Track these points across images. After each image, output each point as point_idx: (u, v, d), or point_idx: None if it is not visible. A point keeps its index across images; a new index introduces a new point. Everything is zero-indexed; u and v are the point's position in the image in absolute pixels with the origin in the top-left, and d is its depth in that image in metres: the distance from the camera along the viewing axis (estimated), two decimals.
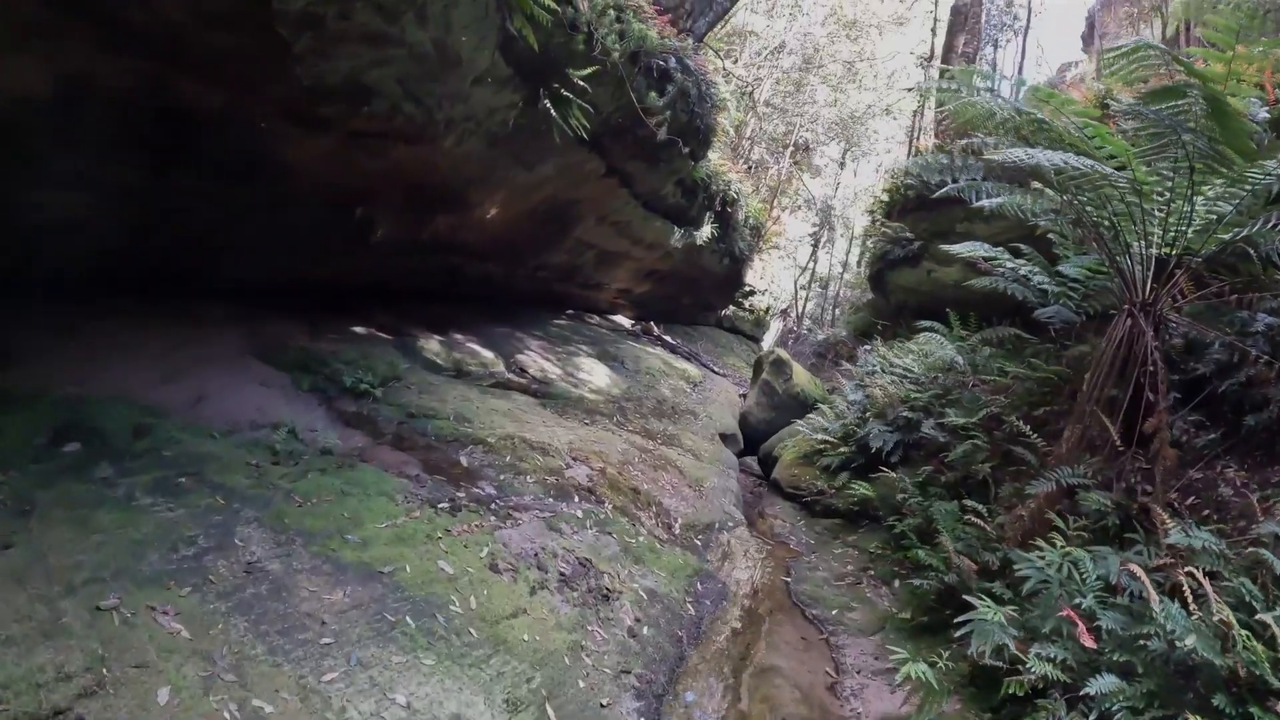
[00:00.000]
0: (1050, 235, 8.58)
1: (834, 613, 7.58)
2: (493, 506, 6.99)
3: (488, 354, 12.50)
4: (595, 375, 14.01)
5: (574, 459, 8.69)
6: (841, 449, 10.60)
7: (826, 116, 34.79)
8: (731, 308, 30.10)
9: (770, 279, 35.61)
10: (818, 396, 16.30)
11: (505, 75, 8.70)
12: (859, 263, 37.57)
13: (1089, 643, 4.95)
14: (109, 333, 7.60)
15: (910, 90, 30.94)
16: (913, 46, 33.75)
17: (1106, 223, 7.07)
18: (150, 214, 7.43)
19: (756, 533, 10.00)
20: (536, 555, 6.34)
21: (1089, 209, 7.20)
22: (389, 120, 7.84)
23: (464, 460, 7.89)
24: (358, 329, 11.03)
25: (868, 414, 10.74)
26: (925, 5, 32.68)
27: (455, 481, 7.33)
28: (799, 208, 39.00)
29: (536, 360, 13.35)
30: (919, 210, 14.66)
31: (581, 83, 9.47)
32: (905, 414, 10.11)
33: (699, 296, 26.21)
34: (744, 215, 23.42)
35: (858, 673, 6.56)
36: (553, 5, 7.73)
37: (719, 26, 24.51)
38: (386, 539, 5.81)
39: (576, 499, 7.83)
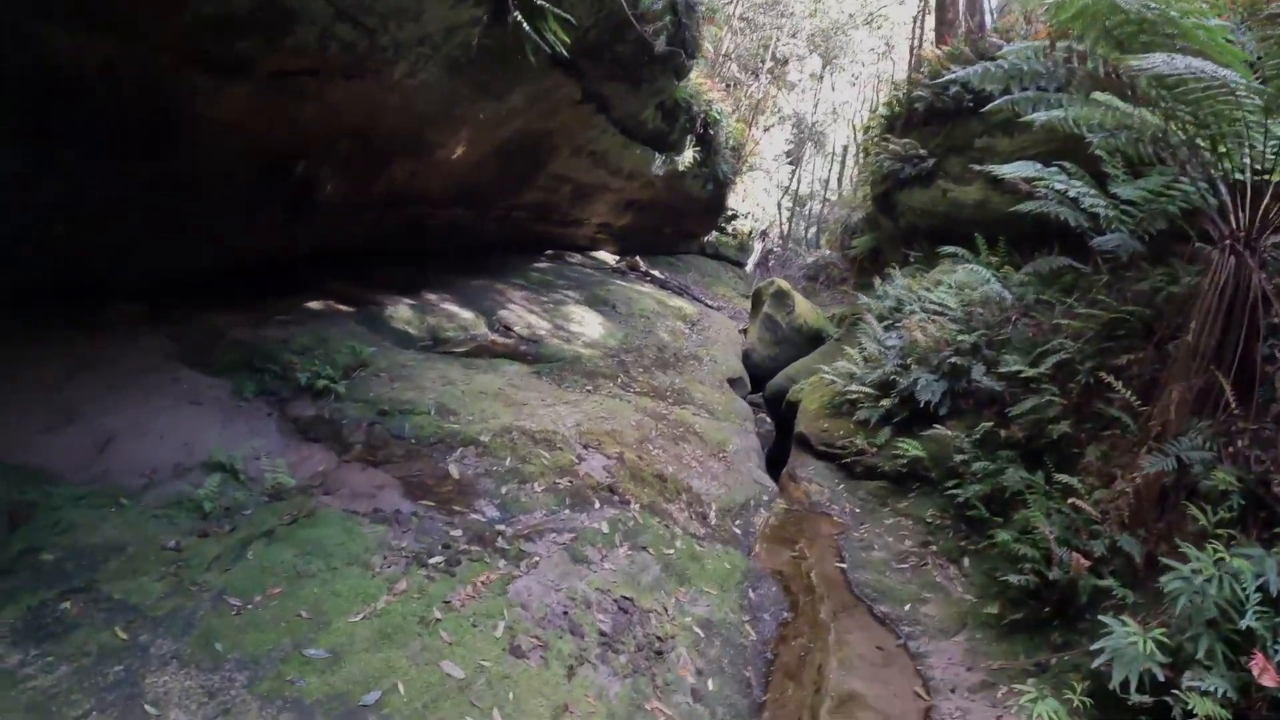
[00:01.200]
0: (1099, 153, 7.48)
1: (905, 608, 6.33)
2: (499, 544, 5.49)
3: (466, 314, 11.11)
4: (587, 325, 12.73)
5: (586, 447, 7.30)
6: (883, 401, 9.24)
7: (806, 29, 32.93)
8: (715, 233, 29.15)
9: (753, 201, 34.13)
10: (822, 328, 15.42)
11: None
12: (840, 181, 36.39)
13: (1270, 681, 3.83)
14: None
15: None
16: None
17: (1205, 143, 5.90)
18: (34, 208, 6.01)
19: (791, 500, 8.72)
20: (566, 613, 4.88)
21: (1189, 126, 5.92)
22: (320, 52, 6.53)
23: (454, 470, 6.41)
24: (312, 304, 9.53)
25: (909, 360, 9.38)
26: None
27: (447, 507, 5.86)
28: (774, 125, 37.43)
29: (522, 315, 11.98)
30: (930, 124, 13.26)
31: None
32: (953, 359, 8.75)
33: (681, 225, 25.19)
34: (725, 136, 22.43)
35: (951, 691, 5.29)
36: None
37: None
38: (365, 640, 4.27)
39: (597, 504, 6.40)
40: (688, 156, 19.67)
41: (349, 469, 6.14)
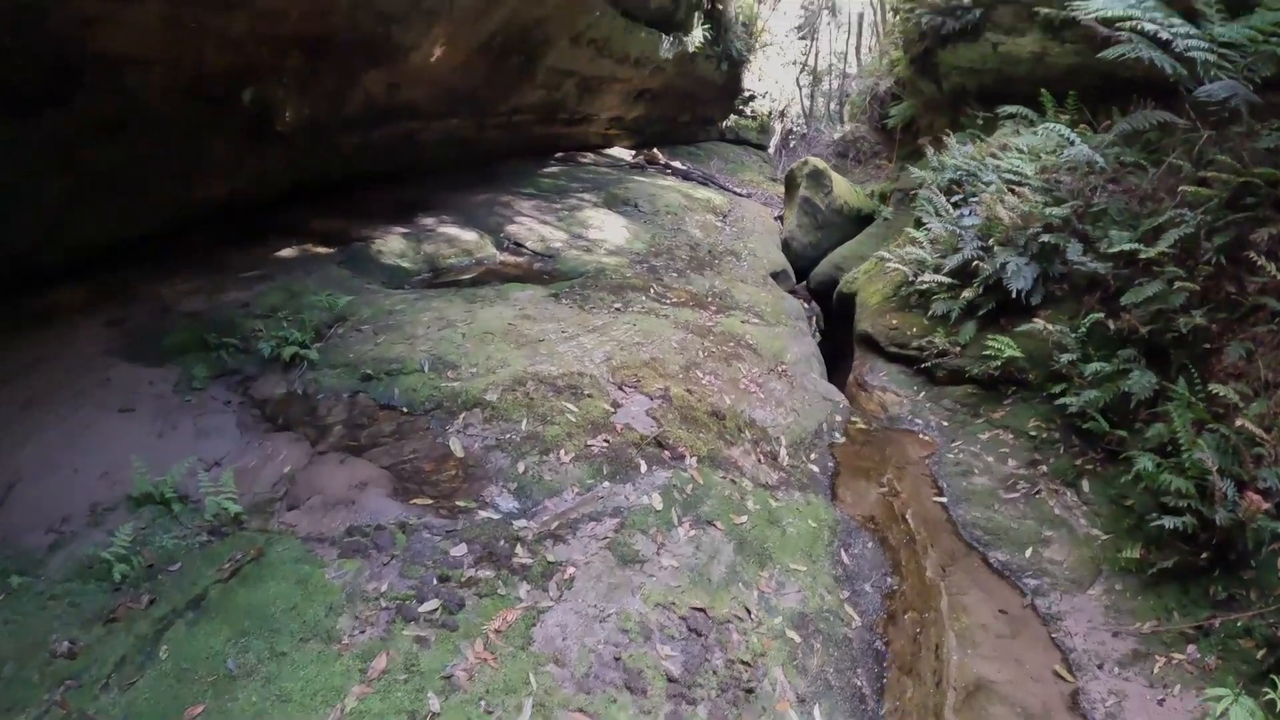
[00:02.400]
0: None
1: (1027, 554, 5.24)
2: (518, 556, 4.09)
3: (470, 235, 9.77)
4: (609, 230, 11.32)
5: (622, 387, 5.97)
6: (964, 293, 7.86)
7: None
8: (733, 117, 27.40)
9: (771, 80, 32.21)
10: (866, 207, 14.47)
11: None
12: (858, 52, 34.36)
13: None
14: None
15: None
16: None
17: None
18: None
19: (866, 415, 7.54)
20: (618, 659, 3.50)
21: None
22: None
23: (456, 444, 5.05)
24: (286, 252, 8.22)
25: (990, 240, 7.97)
26: None
27: (448, 504, 4.52)
28: None
29: (534, 228, 10.64)
30: None
31: None
32: (1044, 237, 7.36)
33: (698, 111, 23.60)
34: (735, 11, 20.96)
35: (1099, 668, 4.31)
36: None
37: None
38: None
39: (643, 466, 5.04)
40: (697, 36, 18.17)
41: (323, 465, 4.82)
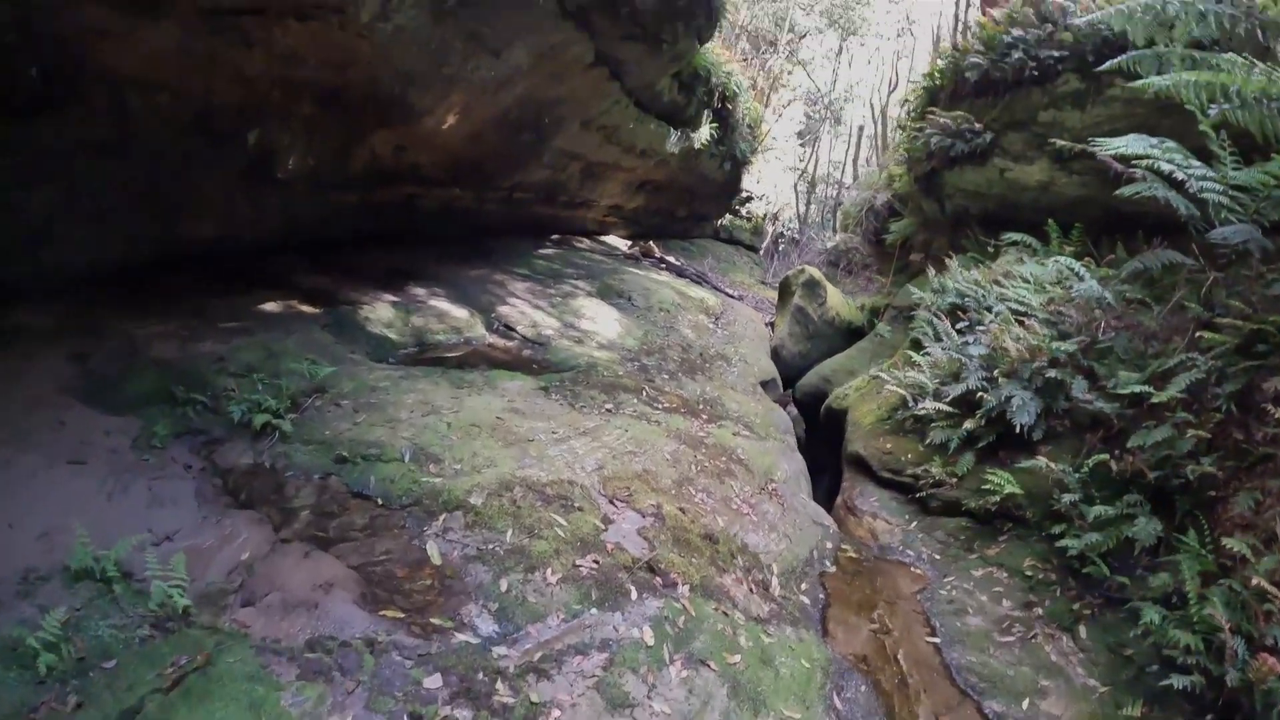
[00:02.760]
0: (1204, 130, 6.34)
1: (1024, 706, 4.85)
2: (498, 694, 3.57)
3: (460, 312, 9.42)
4: (601, 322, 11.02)
5: (613, 501, 5.55)
6: (965, 423, 7.60)
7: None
8: (729, 216, 27.68)
9: (769, 183, 32.63)
10: (856, 320, 14.65)
11: None
12: (855, 163, 34.88)
13: None
14: None
15: None
16: None
17: None
18: None
19: (855, 541, 7.19)
20: None
21: None
22: None
23: (434, 550, 4.57)
24: (269, 306, 7.81)
25: (996, 371, 7.77)
26: None
27: (421, 620, 4.02)
28: (791, 102, 35.84)
29: (526, 311, 10.32)
30: (982, 96, 11.78)
31: None
32: (1049, 372, 7.17)
33: (696, 207, 23.81)
34: (743, 112, 21.02)
35: None
36: None
37: None
38: None
39: (634, 593, 4.60)
40: (704, 133, 18.17)
41: (286, 556, 4.33)
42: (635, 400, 8.00)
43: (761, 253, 29.07)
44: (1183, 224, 6.58)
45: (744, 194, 27.74)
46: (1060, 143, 8.65)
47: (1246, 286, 6.22)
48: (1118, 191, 6.95)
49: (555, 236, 16.84)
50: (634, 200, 19.12)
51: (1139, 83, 6.16)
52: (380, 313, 8.47)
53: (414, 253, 11.26)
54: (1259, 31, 5.95)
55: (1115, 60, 6.69)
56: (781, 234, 32.80)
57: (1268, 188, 6.15)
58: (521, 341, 9.35)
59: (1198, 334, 6.05)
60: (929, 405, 8.03)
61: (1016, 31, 11.01)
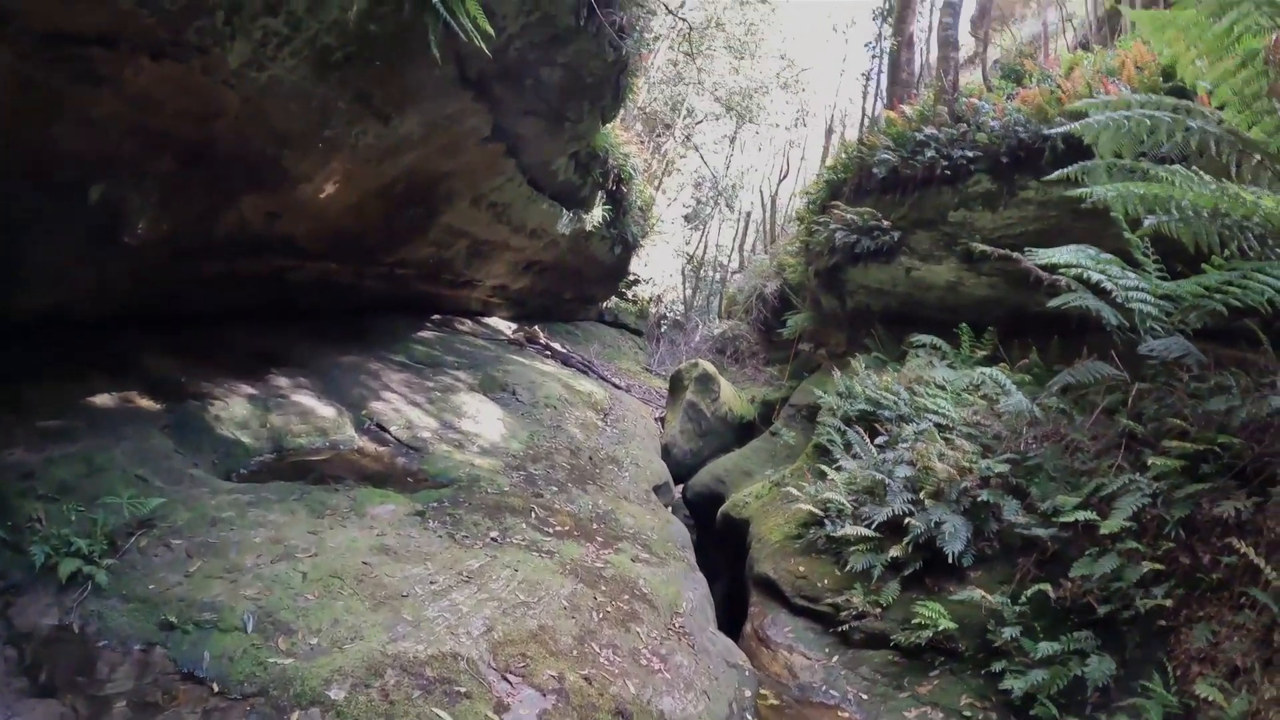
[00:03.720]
0: (1129, 238, 6.61)
1: None
2: None
3: (327, 410, 8.30)
4: (483, 421, 9.95)
5: (506, 676, 4.41)
6: (891, 550, 6.94)
7: (728, 85, 31.26)
8: (615, 299, 27.00)
9: (657, 266, 32.45)
10: (748, 415, 14.72)
11: None
12: (743, 248, 35.20)
13: None
14: None
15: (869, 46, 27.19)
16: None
17: None
18: None
19: (772, 678, 6.54)
20: None
21: None
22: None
23: None
24: (101, 399, 6.49)
25: (920, 492, 7.18)
26: None
27: None
28: (684, 186, 35.99)
29: (401, 408, 9.23)
30: (890, 192, 11.77)
31: None
32: (980, 494, 6.81)
33: (583, 290, 23.35)
34: (636, 195, 20.88)
35: None
36: None
37: None
38: None
39: None
40: (597, 215, 17.83)
41: None
42: (523, 524, 6.93)
43: (644, 336, 28.72)
44: (1096, 326, 6.74)
45: (631, 276, 27.35)
46: (974, 244, 8.50)
47: (1178, 399, 6.28)
48: (1051, 303, 6.90)
49: (437, 316, 15.91)
50: (520, 281, 18.43)
51: (1077, 191, 6.04)
52: (234, 410, 7.26)
53: (282, 332, 10.12)
54: (1213, 145, 5.65)
55: (1065, 170, 6.46)
56: (664, 316, 32.56)
57: (1198, 297, 6.23)
58: (395, 446, 8.25)
59: (1150, 459, 5.87)
60: (849, 529, 7.37)
61: (929, 130, 11.10)
